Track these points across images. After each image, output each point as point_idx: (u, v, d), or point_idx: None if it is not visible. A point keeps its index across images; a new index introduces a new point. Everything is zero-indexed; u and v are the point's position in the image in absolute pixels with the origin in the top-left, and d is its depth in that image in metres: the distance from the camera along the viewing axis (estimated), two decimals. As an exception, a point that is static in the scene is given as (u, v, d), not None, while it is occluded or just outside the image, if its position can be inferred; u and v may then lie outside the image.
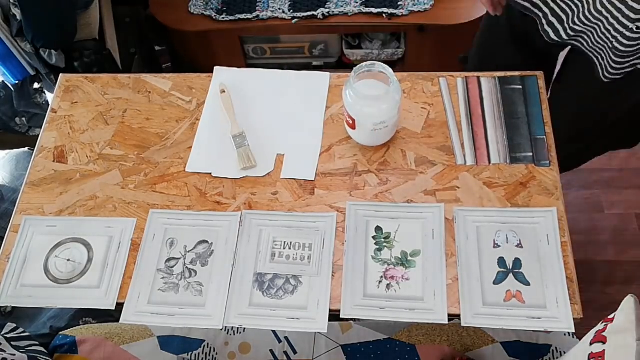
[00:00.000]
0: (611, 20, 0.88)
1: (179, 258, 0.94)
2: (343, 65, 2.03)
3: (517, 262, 0.88)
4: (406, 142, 1.02)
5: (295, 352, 1.12)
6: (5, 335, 1.04)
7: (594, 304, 1.70)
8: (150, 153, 1.05)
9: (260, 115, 1.09)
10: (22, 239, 0.97)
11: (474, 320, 0.85)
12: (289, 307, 0.88)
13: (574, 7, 0.94)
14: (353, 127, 0.98)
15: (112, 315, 1.26)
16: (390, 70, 0.93)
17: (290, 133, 1.06)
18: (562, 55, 1.20)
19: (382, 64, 0.93)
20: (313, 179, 1.00)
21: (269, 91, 1.12)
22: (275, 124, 1.08)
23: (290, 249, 0.92)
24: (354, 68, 0.93)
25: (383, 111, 0.93)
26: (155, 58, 2.00)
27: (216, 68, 1.15)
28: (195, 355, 1.13)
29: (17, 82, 1.70)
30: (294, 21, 1.81)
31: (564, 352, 1.07)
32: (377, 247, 0.92)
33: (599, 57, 0.98)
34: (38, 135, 1.10)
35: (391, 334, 1.12)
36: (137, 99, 1.12)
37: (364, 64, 0.94)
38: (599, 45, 0.95)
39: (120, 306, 0.90)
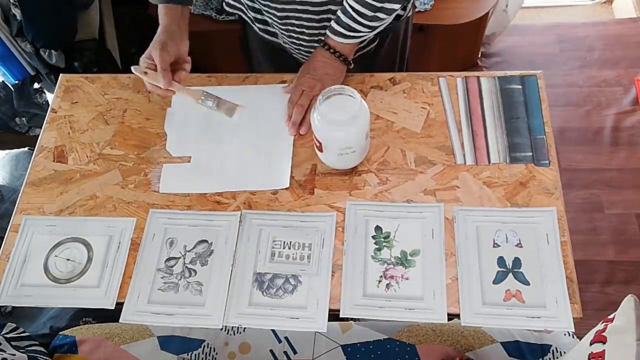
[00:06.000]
0: None
1: (179, 258, 0.94)
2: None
3: (517, 262, 0.88)
4: (406, 141, 1.02)
5: (295, 352, 1.11)
6: (5, 335, 1.04)
7: (594, 304, 1.70)
8: (150, 153, 1.05)
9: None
10: (22, 238, 0.97)
11: (474, 320, 0.85)
12: (288, 307, 0.88)
13: None
14: (320, 149, 0.95)
15: (112, 315, 1.26)
16: (359, 95, 0.89)
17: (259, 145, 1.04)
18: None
19: (352, 88, 0.89)
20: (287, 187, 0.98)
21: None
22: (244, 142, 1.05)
23: (289, 248, 0.92)
24: (323, 91, 0.90)
25: (350, 135, 0.90)
26: (155, 58, 1.99)
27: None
28: (195, 355, 1.13)
29: (17, 82, 1.70)
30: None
31: (564, 352, 1.07)
32: (377, 246, 0.91)
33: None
34: (38, 135, 1.10)
35: (391, 334, 1.11)
36: (137, 99, 1.12)
37: (333, 87, 0.90)
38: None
39: (120, 306, 0.90)
